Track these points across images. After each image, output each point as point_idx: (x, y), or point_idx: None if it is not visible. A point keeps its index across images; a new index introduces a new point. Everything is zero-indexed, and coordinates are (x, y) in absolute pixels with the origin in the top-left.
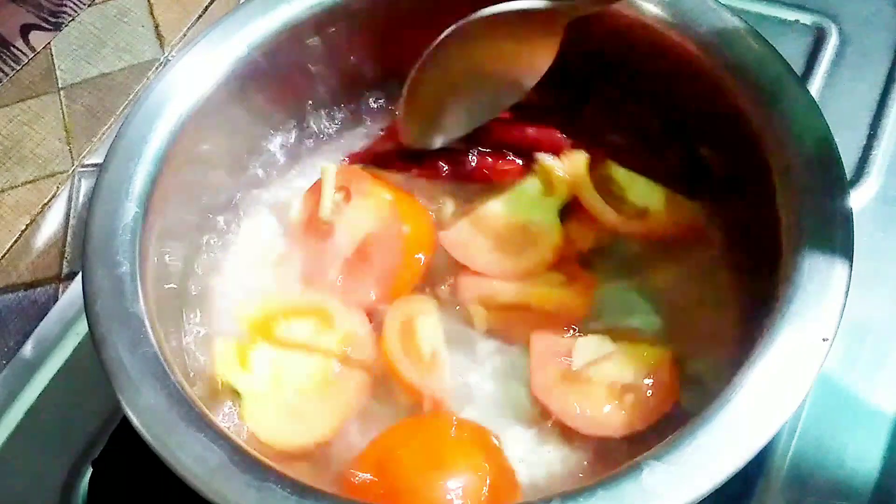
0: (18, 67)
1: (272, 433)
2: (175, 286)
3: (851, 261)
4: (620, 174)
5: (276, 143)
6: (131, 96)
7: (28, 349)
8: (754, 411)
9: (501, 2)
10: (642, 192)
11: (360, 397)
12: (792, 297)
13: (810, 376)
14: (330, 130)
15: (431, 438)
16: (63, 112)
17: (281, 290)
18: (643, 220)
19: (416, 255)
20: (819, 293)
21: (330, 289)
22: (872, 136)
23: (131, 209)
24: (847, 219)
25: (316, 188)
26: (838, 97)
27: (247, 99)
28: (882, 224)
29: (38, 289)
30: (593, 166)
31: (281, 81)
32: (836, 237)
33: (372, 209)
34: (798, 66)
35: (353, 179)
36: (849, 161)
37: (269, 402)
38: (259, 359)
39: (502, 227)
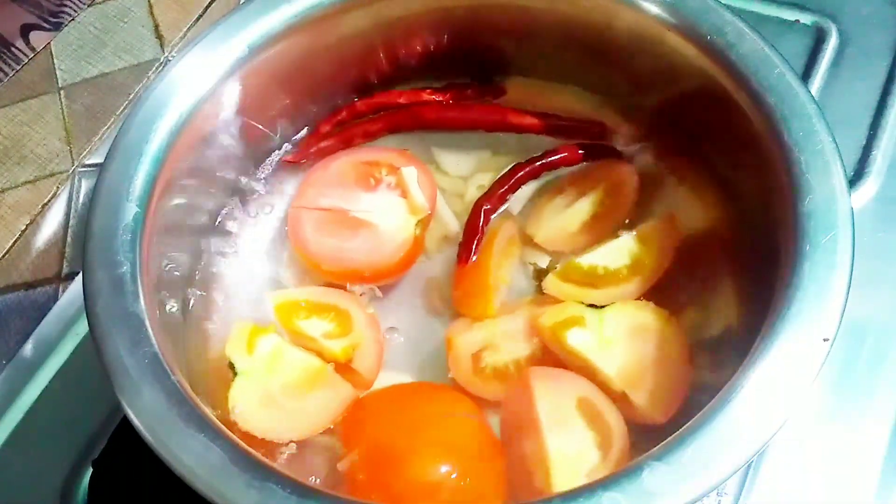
0: (18, 67)
1: (248, 417)
2: (176, 286)
3: (852, 261)
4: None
5: (277, 142)
6: (131, 96)
7: (28, 349)
8: (754, 411)
9: None
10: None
11: (338, 412)
12: (792, 297)
13: (811, 376)
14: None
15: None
16: (63, 112)
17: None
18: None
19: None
20: (819, 293)
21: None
22: (872, 136)
23: (131, 209)
24: (847, 219)
25: (309, 181)
26: (838, 97)
27: (248, 98)
28: (882, 224)
29: (38, 289)
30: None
31: (282, 80)
32: (837, 237)
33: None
34: (798, 66)
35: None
36: (849, 161)
37: (255, 387)
38: (263, 344)
39: None
